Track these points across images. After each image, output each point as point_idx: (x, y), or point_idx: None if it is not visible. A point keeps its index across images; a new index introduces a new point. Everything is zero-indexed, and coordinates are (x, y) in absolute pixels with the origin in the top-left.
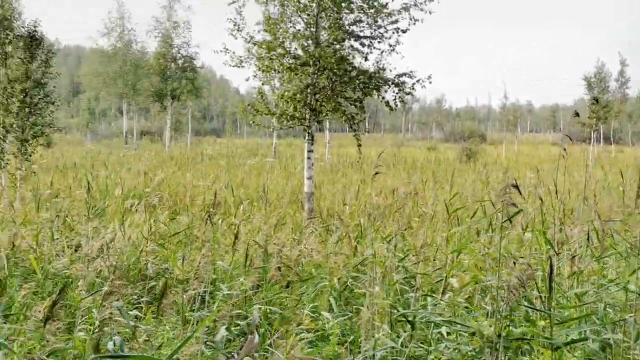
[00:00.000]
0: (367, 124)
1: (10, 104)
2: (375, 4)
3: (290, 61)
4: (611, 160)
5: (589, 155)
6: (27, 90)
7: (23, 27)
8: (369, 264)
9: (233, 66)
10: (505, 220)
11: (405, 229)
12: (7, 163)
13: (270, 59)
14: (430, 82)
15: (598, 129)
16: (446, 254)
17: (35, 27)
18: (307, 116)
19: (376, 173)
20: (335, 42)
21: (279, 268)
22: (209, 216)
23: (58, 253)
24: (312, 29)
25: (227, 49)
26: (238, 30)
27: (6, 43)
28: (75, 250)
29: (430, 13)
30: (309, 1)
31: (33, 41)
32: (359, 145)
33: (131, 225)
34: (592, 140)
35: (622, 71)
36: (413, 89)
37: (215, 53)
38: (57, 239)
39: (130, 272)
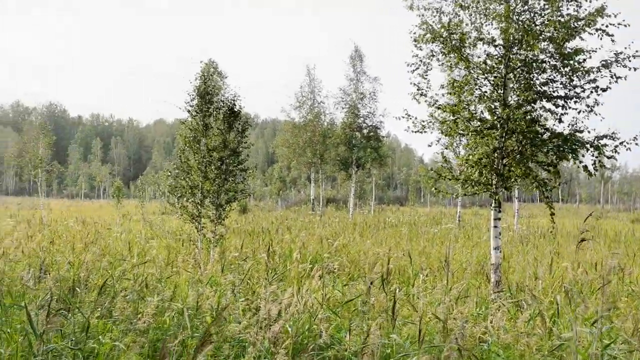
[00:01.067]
0: (560, 193)
1: (209, 171)
2: (571, 62)
3: (476, 124)
4: None
5: None
6: (223, 158)
7: (223, 101)
8: (567, 349)
9: (415, 132)
10: None
11: (610, 309)
12: (204, 226)
13: (455, 122)
14: (637, 144)
15: None
16: None
17: (234, 101)
18: (494, 182)
19: (582, 240)
20: (525, 103)
21: (459, 349)
22: (383, 284)
23: (236, 315)
24: (499, 90)
25: (409, 115)
26: (422, 95)
27: (207, 115)
28: (254, 314)
29: (635, 70)
30: (496, 63)
31: (232, 114)
32: (552, 214)
33: (308, 291)
34: None
35: None
36: (616, 152)
37: (396, 119)
38: (239, 301)
39: (303, 340)
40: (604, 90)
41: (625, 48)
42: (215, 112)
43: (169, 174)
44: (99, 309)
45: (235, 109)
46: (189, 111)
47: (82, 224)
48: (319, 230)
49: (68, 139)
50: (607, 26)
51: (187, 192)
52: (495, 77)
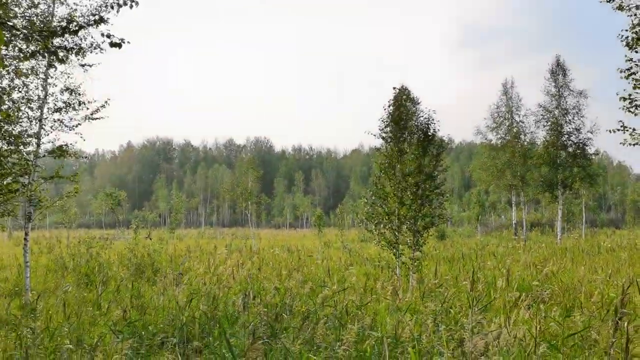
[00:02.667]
0: None
1: (405, 197)
2: None
3: None
4: None
5: None
6: (419, 183)
7: (417, 125)
8: None
9: (633, 144)
10: None
11: None
12: (402, 253)
13: None
14: None
15: None
16: None
17: (428, 125)
18: None
19: None
20: None
21: None
22: (616, 318)
23: (438, 346)
24: None
25: (625, 127)
26: (636, 107)
27: (401, 141)
28: (459, 345)
29: None
30: None
31: (425, 137)
32: None
33: (517, 322)
34: None
35: None
36: None
37: (610, 133)
38: (440, 330)
39: None
40: None
41: None
42: (409, 137)
43: (366, 200)
44: (302, 336)
45: (429, 133)
46: (383, 137)
47: (287, 251)
48: (524, 256)
49: (273, 172)
50: None
51: (384, 219)
52: None
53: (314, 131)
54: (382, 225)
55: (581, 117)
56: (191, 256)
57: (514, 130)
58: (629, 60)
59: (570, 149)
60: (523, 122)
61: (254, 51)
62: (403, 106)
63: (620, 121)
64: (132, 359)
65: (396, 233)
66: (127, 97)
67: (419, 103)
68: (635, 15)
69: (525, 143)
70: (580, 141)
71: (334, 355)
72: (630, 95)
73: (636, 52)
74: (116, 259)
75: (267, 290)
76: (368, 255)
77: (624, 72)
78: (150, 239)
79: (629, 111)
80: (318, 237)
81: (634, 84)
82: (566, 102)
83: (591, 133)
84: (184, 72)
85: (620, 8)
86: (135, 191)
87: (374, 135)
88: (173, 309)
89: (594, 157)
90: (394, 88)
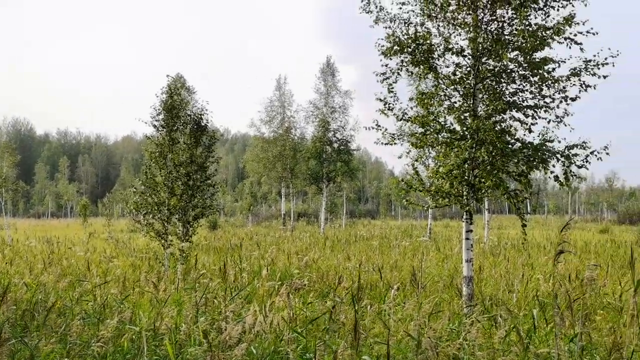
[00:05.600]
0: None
1: (176, 187)
2: (540, 72)
3: (446, 136)
4: None
5: None
6: (190, 173)
7: (190, 115)
8: None
9: (385, 144)
10: None
11: (586, 322)
12: (171, 244)
13: (424, 134)
14: (607, 154)
15: None
16: None
17: (201, 115)
18: (465, 193)
19: (560, 252)
20: (494, 114)
21: None
22: (354, 300)
23: (197, 337)
24: (469, 101)
25: (379, 126)
26: (389, 109)
27: (173, 130)
28: (218, 334)
29: (604, 77)
30: (465, 74)
31: (198, 128)
32: (524, 225)
33: (272, 309)
34: None
35: None
36: (587, 161)
37: (366, 130)
38: (201, 321)
39: None
40: (573, 99)
41: (595, 55)
42: (182, 127)
43: (135, 190)
44: (54, 334)
45: (202, 123)
46: (154, 126)
47: (47, 243)
48: (289, 246)
49: (35, 157)
50: (575, 35)
51: (154, 209)
52: (464, 87)
53: (83, 115)
54: (151, 216)
55: (346, 115)
56: None
57: (286, 125)
58: (385, 66)
59: (335, 145)
60: (294, 117)
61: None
62: (177, 94)
63: (375, 120)
64: None
65: (165, 224)
66: None
67: (194, 92)
68: (390, 27)
69: (296, 137)
70: (344, 138)
71: (89, 353)
72: (385, 97)
73: (391, 59)
74: None
75: (18, 286)
76: (136, 247)
77: (380, 75)
78: None
79: (383, 113)
80: (83, 228)
81: (388, 88)
82: (334, 100)
83: (353, 131)
84: None
85: (377, 21)
86: None
87: (145, 122)
88: None
89: (355, 153)
90: (168, 76)
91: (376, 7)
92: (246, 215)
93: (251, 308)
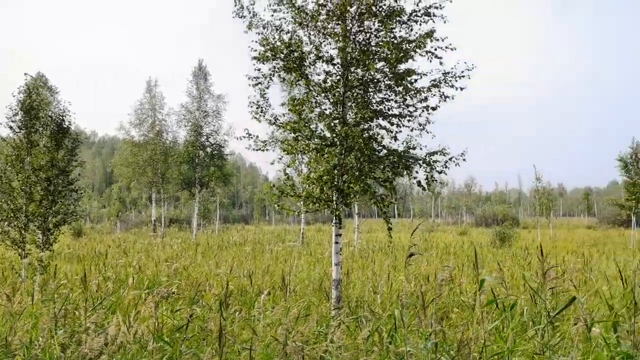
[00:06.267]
0: (396, 208)
1: (34, 192)
2: (404, 82)
3: (317, 142)
4: None
5: (631, 238)
6: (51, 178)
7: (51, 116)
8: None
9: (257, 150)
10: (558, 312)
11: (443, 319)
12: (28, 253)
13: (296, 140)
14: (464, 160)
15: (638, 211)
16: (493, 352)
17: (62, 116)
18: (335, 198)
19: (411, 254)
20: (362, 121)
21: None
22: (222, 307)
23: (55, 351)
24: (338, 108)
25: (250, 134)
26: (262, 113)
27: (32, 132)
28: (77, 347)
29: (461, 89)
30: (335, 82)
31: (60, 130)
32: (390, 229)
33: (137, 319)
34: (633, 223)
35: None
36: (446, 167)
37: (238, 139)
38: (59, 333)
39: None
40: (433, 108)
41: (452, 68)
42: (42, 129)
43: None
44: None
45: (64, 125)
46: (10, 127)
47: None
48: (158, 253)
49: None
50: (435, 49)
51: (9, 216)
52: (334, 95)
53: None
54: (6, 223)
55: (219, 119)
56: None
57: (157, 129)
58: (258, 70)
59: (208, 150)
60: (165, 121)
61: None
62: (37, 94)
63: (246, 129)
64: None
65: (22, 231)
66: None
67: (57, 92)
68: (263, 33)
69: (167, 141)
70: (217, 142)
71: None
72: (258, 101)
73: (263, 64)
74: None
75: None
76: None
77: (252, 80)
78: None
79: (255, 118)
80: None
81: (260, 93)
82: (206, 104)
83: (227, 135)
84: None
85: (250, 27)
86: None
87: (1, 123)
88: None
89: (229, 157)
90: (26, 74)
91: (249, 12)
92: (114, 222)
93: (114, 318)
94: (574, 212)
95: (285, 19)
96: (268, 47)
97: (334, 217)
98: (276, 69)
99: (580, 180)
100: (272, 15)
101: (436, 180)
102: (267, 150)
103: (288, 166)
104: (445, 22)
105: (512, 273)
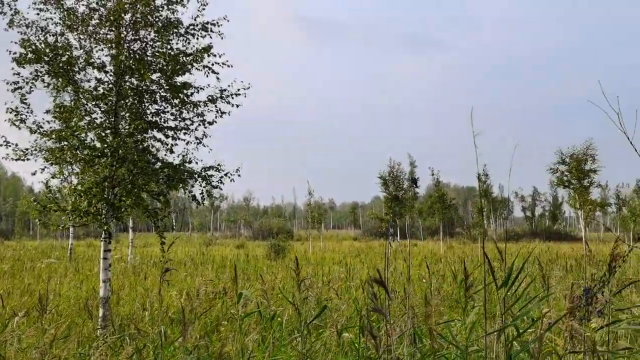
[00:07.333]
0: (174, 222)
1: None
2: (180, 95)
3: (86, 152)
4: (406, 253)
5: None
6: None
7: None
8: None
9: (16, 160)
10: (312, 320)
11: (213, 332)
12: None
13: (62, 150)
14: (239, 175)
15: (395, 224)
16: None
17: None
18: (104, 212)
19: (166, 270)
20: (136, 132)
21: None
22: None
23: None
24: (110, 118)
25: (8, 142)
26: (22, 121)
27: None
28: None
29: (237, 106)
30: (107, 90)
31: None
32: (163, 243)
33: None
34: (391, 235)
35: (412, 171)
36: (221, 182)
37: None
38: None
39: None
40: (210, 123)
41: (229, 86)
42: None
43: None
44: None
45: None
46: None
47: None
48: None
49: None
50: (213, 64)
51: None
52: (106, 104)
53: None
54: None
55: None
56: None
57: None
58: (17, 74)
59: None
60: None
61: None
62: None
63: (3, 136)
64: None
65: None
66: None
67: None
68: (26, 33)
69: None
70: None
71: None
72: (17, 107)
73: (24, 67)
74: None
75: None
76: None
77: (11, 85)
78: None
79: (14, 124)
80: None
81: (21, 98)
82: None
83: None
84: None
85: (11, 24)
86: None
87: None
88: None
89: None
90: None
91: (10, 8)
92: None
93: None
94: (343, 224)
95: (52, 19)
96: (29, 49)
97: (103, 232)
98: (39, 73)
99: (348, 195)
100: (38, 14)
101: (212, 195)
102: (28, 159)
103: (53, 177)
104: (222, 38)
105: (284, 285)
